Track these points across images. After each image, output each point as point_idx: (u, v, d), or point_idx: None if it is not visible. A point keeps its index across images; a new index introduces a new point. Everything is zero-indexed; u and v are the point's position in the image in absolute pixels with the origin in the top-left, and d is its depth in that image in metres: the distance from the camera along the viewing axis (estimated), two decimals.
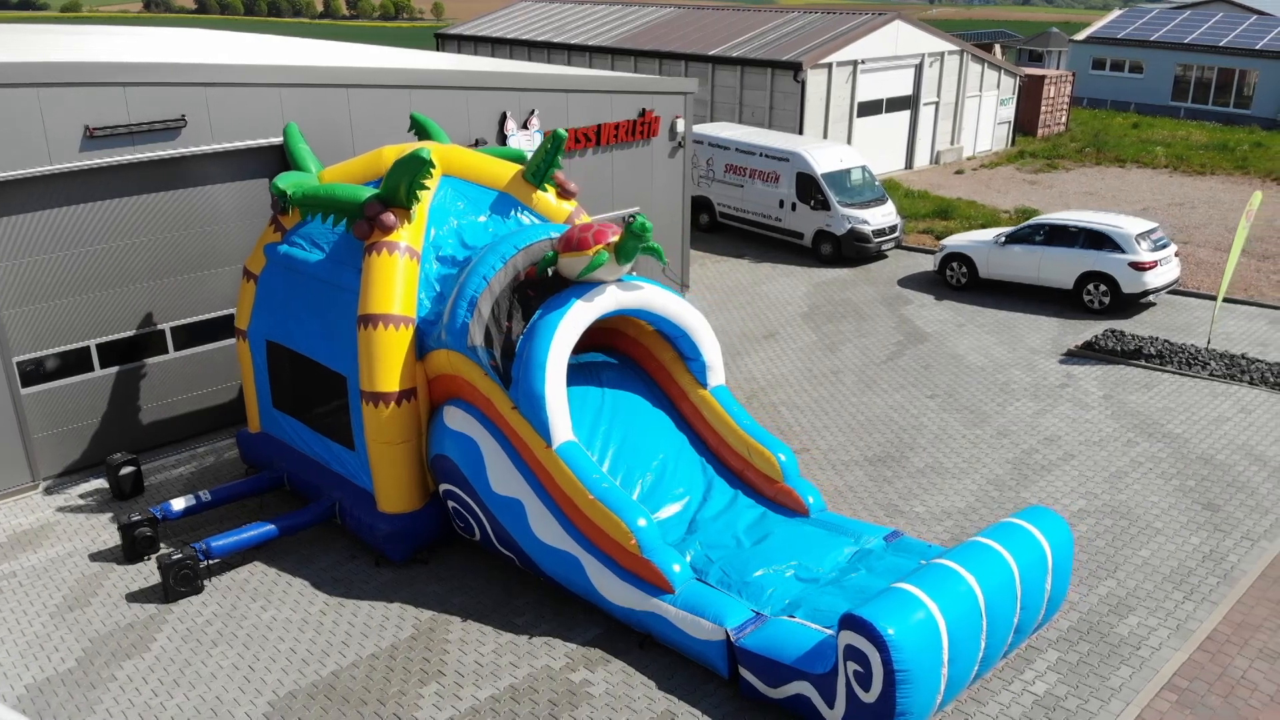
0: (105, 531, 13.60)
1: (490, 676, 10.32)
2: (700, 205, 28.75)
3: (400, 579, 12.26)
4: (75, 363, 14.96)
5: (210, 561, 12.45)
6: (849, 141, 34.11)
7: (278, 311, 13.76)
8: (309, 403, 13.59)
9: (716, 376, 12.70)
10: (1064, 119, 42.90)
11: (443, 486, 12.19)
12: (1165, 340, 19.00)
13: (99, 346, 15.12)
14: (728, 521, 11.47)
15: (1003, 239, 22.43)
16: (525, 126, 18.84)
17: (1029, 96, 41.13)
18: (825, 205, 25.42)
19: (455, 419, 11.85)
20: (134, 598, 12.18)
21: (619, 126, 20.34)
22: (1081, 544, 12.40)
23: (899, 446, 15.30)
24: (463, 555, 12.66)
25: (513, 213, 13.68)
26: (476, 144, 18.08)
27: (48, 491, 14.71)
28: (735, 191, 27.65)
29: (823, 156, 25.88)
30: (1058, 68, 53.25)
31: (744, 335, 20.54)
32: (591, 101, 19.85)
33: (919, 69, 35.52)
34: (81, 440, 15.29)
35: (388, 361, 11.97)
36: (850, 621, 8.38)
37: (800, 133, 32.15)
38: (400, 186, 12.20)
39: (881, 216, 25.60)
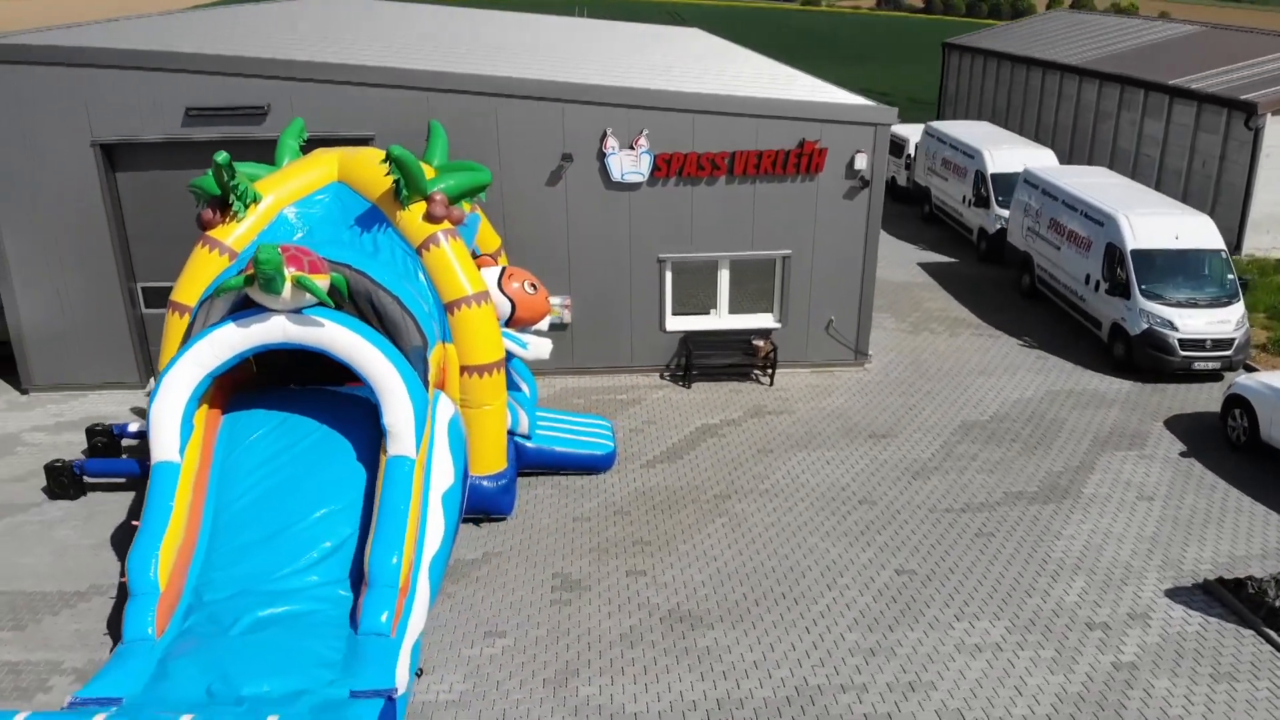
0: None
1: None
2: (1023, 264, 23.25)
3: None
4: None
5: (88, 478, 14.68)
6: None
7: None
8: None
9: (396, 444, 11.10)
10: None
11: None
12: None
13: None
14: (268, 598, 10.22)
15: None
16: (631, 146, 17.47)
17: None
18: (1127, 291, 18.87)
19: None
20: (39, 483, 14.79)
21: (763, 156, 17.65)
22: None
23: (711, 615, 11.54)
24: None
25: (374, 228, 13.34)
26: (565, 159, 17.43)
27: (148, 393, 18.37)
28: (1054, 254, 21.81)
29: (1145, 227, 19.15)
30: None
31: (849, 428, 16.64)
32: (727, 125, 17.52)
33: None
34: None
35: (174, 347, 12.78)
36: None
37: (1246, 198, 23.89)
38: (223, 188, 12.79)
39: (1207, 322, 18.17)
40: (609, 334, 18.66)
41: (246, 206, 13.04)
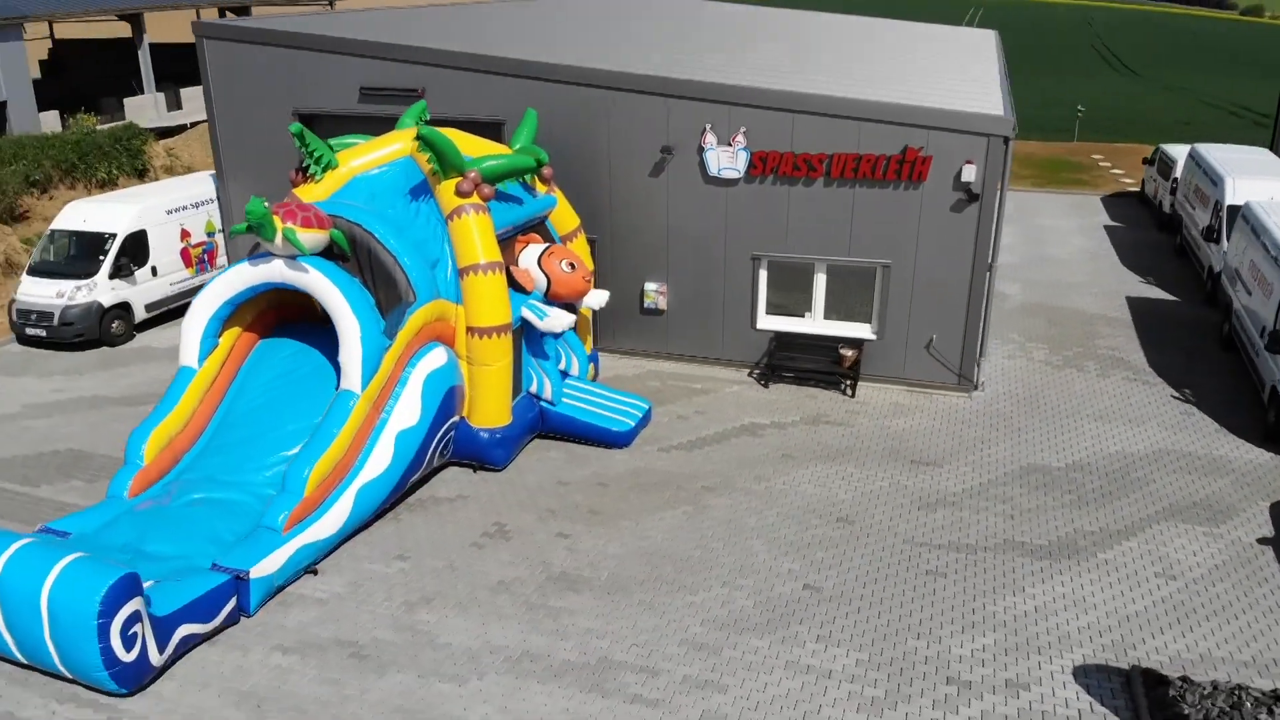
0: None
1: None
2: (1225, 308, 20.27)
3: None
4: None
5: None
6: None
7: None
8: None
9: (345, 379, 12.78)
10: None
11: None
12: None
13: None
14: (218, 485, 12.33)
15: None
16: (729, 143, 17.84)
17: None
18: None
19: None
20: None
21: (862, 160, 17.20)
22: None
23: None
24: None
25: (421, 197, 15.18)
26: (665, 151, 18.19)
27: None
28: (1246, 300, 18.89)
29: None
30: None
31: (896, 450, 15.92)
32: (827, 126, 17.29)
33: None
34: None
35: None
36: None
37: None
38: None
39: None
40: (702, 325, 19.13)
41: (323, 171, 15.37)
